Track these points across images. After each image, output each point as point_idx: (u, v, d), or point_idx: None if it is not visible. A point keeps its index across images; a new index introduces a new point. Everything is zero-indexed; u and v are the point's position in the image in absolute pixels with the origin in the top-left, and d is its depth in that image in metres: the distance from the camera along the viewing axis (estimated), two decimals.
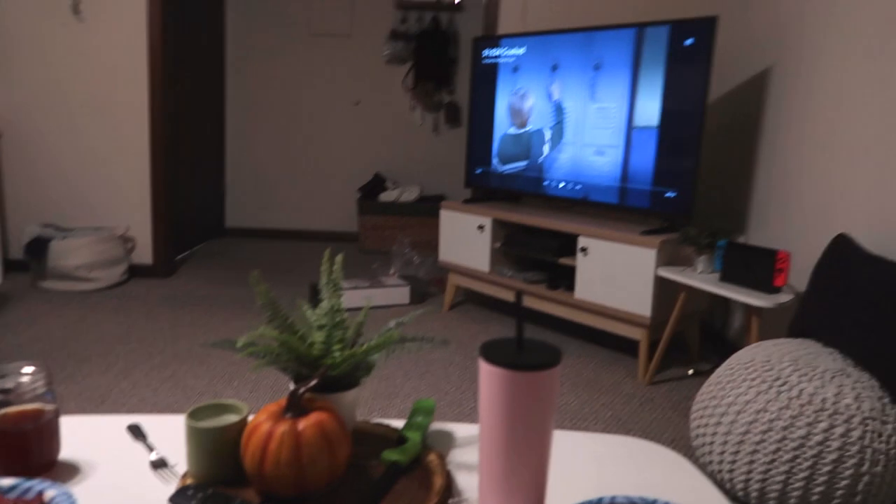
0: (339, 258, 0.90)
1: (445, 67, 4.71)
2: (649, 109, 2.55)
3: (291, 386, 0.78)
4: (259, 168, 4.96)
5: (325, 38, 4.80)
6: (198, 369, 2.43)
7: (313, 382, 0.73)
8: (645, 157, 2.58)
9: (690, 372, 2.60)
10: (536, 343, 0.73)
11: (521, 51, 3.01)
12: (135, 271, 3.67)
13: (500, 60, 3.10)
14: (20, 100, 3.53)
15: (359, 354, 0.79)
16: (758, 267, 2.14)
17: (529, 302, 2.92)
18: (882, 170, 1.90)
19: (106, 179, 3.62)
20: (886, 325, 1.60)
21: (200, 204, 4.56)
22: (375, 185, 4.68)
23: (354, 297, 3.19)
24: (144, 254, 3.68)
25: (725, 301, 2.84)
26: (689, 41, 2.42)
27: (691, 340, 2.72)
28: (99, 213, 3.65)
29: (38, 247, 3.30)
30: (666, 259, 2.46)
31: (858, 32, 2.04)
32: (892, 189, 1.86)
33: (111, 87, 3.53)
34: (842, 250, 1.86)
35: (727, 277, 2.24)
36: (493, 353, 0.70)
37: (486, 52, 3.16)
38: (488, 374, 0.68)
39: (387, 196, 4.60)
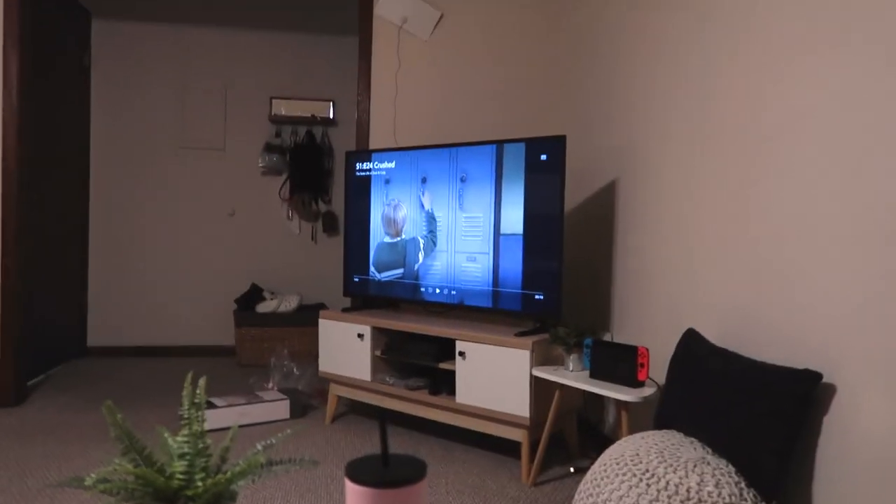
0: (202, 381, 0.88)
1: (321, 178, 4.81)
2: (513, 217, 2.72)
3: None
4: (127, 281, 4.72)
5: (197, 150, 4.78)
6: None
7: None
8: (513, 262, 2.73)
9: (571, 470, 2.65)
10: (402, 458, 0.74)
11: (391, 164, 3.15)
12: None
13: (373, 173, 3.22)
14: None
15: (221, 483, 0.76)
16: (622, 363, 2.27)
17: (414, 409, 2.90)
18: (722, 266, 2.12)
19: None
20: (734, 412, 1.73)
21: (59, 321, 4.24)
22: (252, 296, 4.57)
23: (230, 414, 3.04)
24: None
25: (599, 397, 2.96)
26: (543, 156, 2.64)
27: (570, 437, 2.80)
28: None
29: None
30: (540, 359, 2.55)
31: (688, 144, 2.32)
32: (731, 285, 2.07)
33: None
34: (691, 344, 2.03)
35: (596, 374, 2.35)
36: (359, 471, 0.70)
37: (358, 165, 3.27)
38: (355, 494, 0.69)
39: (264, 307, 4.50)
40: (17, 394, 3.39)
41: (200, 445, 0.84)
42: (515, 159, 2.72)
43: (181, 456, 0.82)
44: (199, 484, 0.79)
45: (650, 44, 2.61)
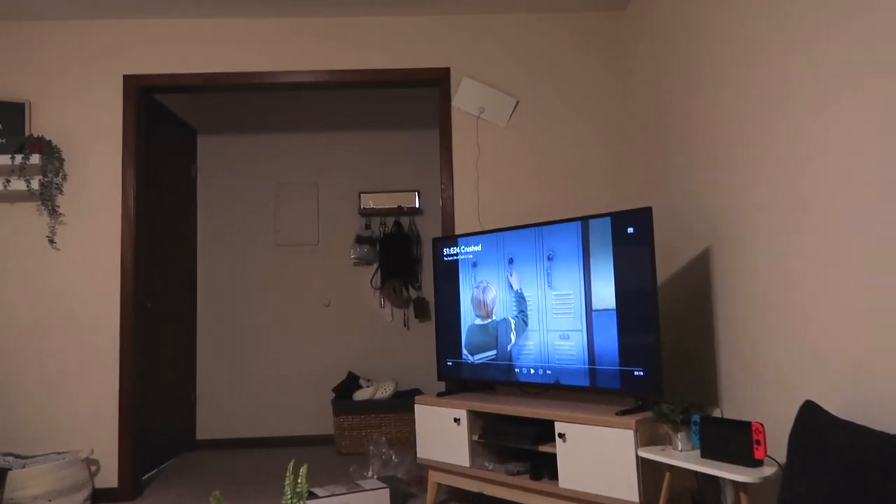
0: (303, 471, 0.90)
1: (410, 266, 4.92)
2: (605, 293, 2.67)
3: None
4: (231, 376, 4.91)
5: (293, 246, 5.02)
6: None
7: None
8: (608, 338, 2.66)
9: None
10: None
11: (478, 247, 3.19)
12: (98, 496, 3.47)
13: (460, 257, 3.26)
14: None
15: None
16: (735, 440, 2.13)
17: (516, 496, 2.80)
18: (836, 329, 1.99)
19: (72, 402, 3.55)
20: (867, 490, 1.58)
21: (170, 418, 4.44)
22: (349, 384, 4.64)
23: None
24: (109, 476, 3.51)
25: (714, 478, 2.77)
26: (630, 229, 2.61)
27: None
28: (64, 438, 3.53)
29: None
30: (645, 439, 2.43)
31: (787, 201, 2.23)
32: (848, 349, 1.93)
33: (81, 310, 3.59)
34: (811, 417, 1.88)
35: (707, 453, 2.21)
36: None
37: (445, 251, 3.33)
38: None
39: (361, 394, 4.55)
40: (133, 488, 3.53)
41: None
42: (602, 234, 2.70)
43: None
44: None
45: (732, 102, 2.58)
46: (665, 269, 3.25)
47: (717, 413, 2.71)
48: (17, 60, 3.69)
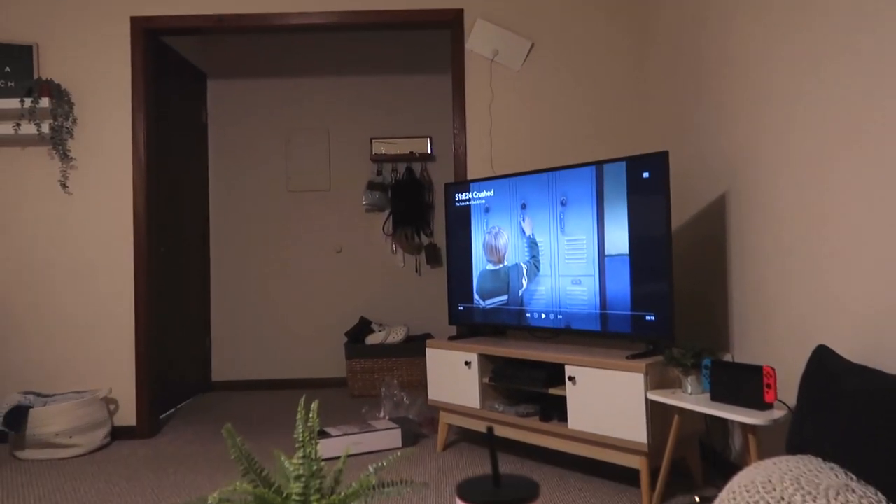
0: (314, 405, 0.91)
1: (422, 212, 4.90)
2: (618, 238, 2.65)
3: None
4: (245, 320, 4.98)
5: (304, 192, 5.01)
6: None
7: None
8: (620, 284, 2.65)
9: (697, 499, 2.50)
10: (514, 478, 0.72)
11: (490, 192, 3.16)
12: (117, 433, 3.57)
13: (472, 202, 3.24)
14: (7, 270, 3.60)
15: (336, 502, 0.77)
16: (746, 384, 2.13)
17: (525, 436, 2.85)
18: (856, 274, 1.96)
19: (90, 343, 3.61)
20: (879, 434, 1.58)
21: (186, 360, 4.52)
22: (362, 329, 4.69)
23: (344, 443, 3.10)
24: (128, 415, 3.60)
25: (723, 421, 2.80)
26: (645, 174, 2.56)
27: (693, 465, 2.65)
28: (82, 378, 3.60)
29: (17, 416, 3.22)
30: (655, 382, 2.44)
31: (810, 140, 2.18)
32: (868, 294, 1.91)
33: (96, 253, 3.62)
34: (824, 361, 1.88)
35: (717, 397, 2.22)
36: (470, 491, 0.69)
37: (457, 196, 3.31)
38: None
39: (373, 339, 4.60)
40: (151, 426, 3.63)
41: (315, 468, 0.86)
42: (616, 179, 2.66)
43: (297, 478, 0.84)
44: None
45: (751, 42, 2.50)
46: (680, 214, 3.22)
47: (728, 358, 2.71)
48: (23, 2, 3.63)
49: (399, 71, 5.05)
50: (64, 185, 3.61)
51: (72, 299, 3.62)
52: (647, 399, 2.40)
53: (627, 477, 2.75)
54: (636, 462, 2.46)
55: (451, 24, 3.71)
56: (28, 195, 3.62)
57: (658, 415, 2.44)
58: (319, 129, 5.02)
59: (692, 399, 2.26)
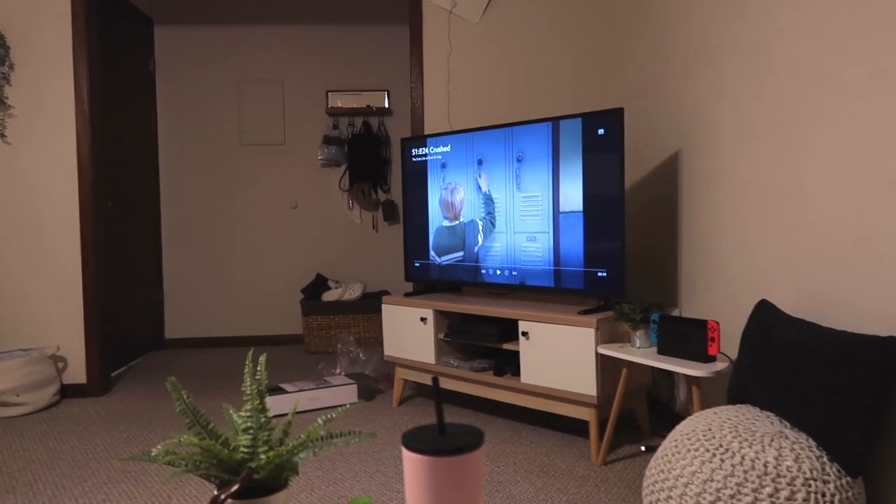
0: (262, 358, 0.90)
1: (379, 168, 4.85)
2: (572, 195, 2.67)
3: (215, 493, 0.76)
4: (199, 277, 4.89)
5: (258, 146, 4.89)
6: (133, 490, 2.29)
7: (235, 488, 0.72)
8: (574, 240, 2.68)
9: (643, 448, 2.60)
10: (460, 427, 0.73)
11: (447, 148, 3.14)
12: (67, 391, 3.51)
13: (429, 158, 3.22)
14: None
15: (283, 455, 0.78)
16: (691, 338, 2.20)
17: (479, 391, 2.90)
18: (797, 233, 2.03)
19: (36, 299, 3.51)
20: (811, 383, 1.65)
21: (138, 317, 4.44)
22: (318, 286, 4.67)
23: (299, 399, 3.11)
24: (77, 373, 3.53)
25: (669, 374, 2.89)
26: (601, 131, 2.58)
27: (640, 416, 2.74)
28: (29, 335, 3.51)
29: None
30: (605, 337, 2.50)
31: (754, 101, 2.22)
32: (807, 252, 1.97)
33: (39, 207, 3.49)
34: (765, 315, 1.95)
35: (664, 350, 2.29)
36: (416, 440, 0.70)
37: (414, 151, 3.28)
38: (412, 462, 0.68)
39: (330, 295, 4.58)
40: (102, 384, 3.57)
41: (262, 420, 0.86)
42: (572, 135, 2.67)
43: (245, 430, 0.84)
44: (263, 456, 0.81)
45: (709, 6, 2.51)
46: (633, 171, 3.26)
47: (675, 313, 2.79)
48: None
49: (357, 21, 4.92)
50: (2, 135, 3.45)
51: (15, 254, 3.49)
52: (597, 353, 2.46)
53: (577, 428, 2.84)
54: (586, 414, 2.54)
55: None
56: None
57: (608, 368, 2.51)
58: (274, 81, 4.88)
59: (640, 353, 2.33)
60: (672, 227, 2.85)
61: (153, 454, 0.74)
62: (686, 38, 2.70)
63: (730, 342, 2.37)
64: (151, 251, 4.71)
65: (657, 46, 2.99)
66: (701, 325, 2.18)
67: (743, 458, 1.58)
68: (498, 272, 2.97)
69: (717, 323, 2.14)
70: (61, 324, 3.52)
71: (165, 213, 4.86)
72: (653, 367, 2.78)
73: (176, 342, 4.87)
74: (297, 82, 4.90)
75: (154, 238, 4.76)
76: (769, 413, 1.78)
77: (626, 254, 3.32)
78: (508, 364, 2.83)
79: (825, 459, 1.57)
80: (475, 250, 3.05)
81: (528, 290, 2.87)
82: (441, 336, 3.04)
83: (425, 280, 3.29)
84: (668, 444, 1.77)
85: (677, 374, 2.80)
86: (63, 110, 3.47)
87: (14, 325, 3.50)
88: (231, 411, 0.89)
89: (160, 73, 4.82)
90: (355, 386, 3.28)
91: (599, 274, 2.61)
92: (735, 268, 2.36)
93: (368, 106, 4.79)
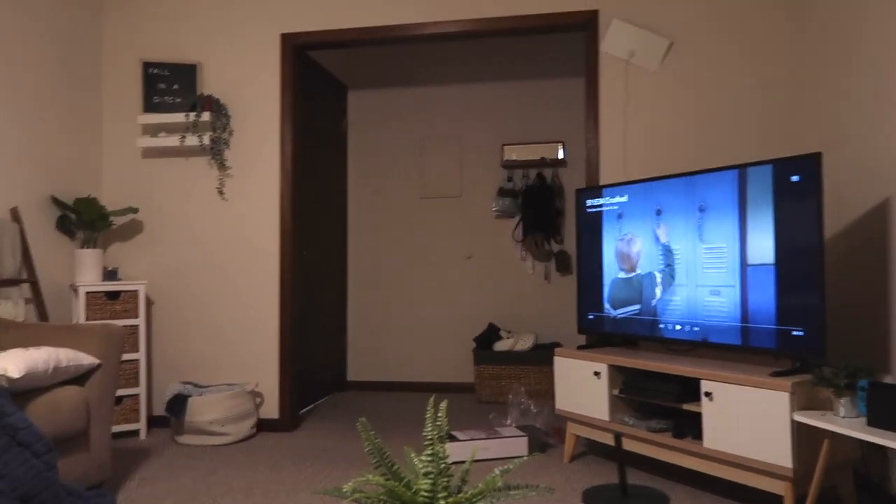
0: (443, 405, 0.93)
1: (552, 218, 4.86)
2: (763, 246, 2.49)
3: None
4: (379, 323, 5.17)
5: (436, 199, 5.13)
6: None
7: None
8: (765, 295, 2.48)
9: None
10: (643, 489, 0.71)
11: (623, 198, 3.08)
12: (262, 425, 3.84)
13: (604, 209, 3.17)
14: (170, 269, 3.98)
15: (462, 502, 0.79)
16: None
17: (656, 452, 2.75)
18: None
19: (241, 340, 3.91)
20: None
21: (325, 359, 4.77)
22: (490, 335, 4.72)
23: (470, 447, 3.13)
24: (271, 409, 3.85)
25: (881, 449, 2.55)
26: (794, 178, 2.39)
27: (846, 495, 2.43)
28: (234, 371, 3.91)
29: (177, 404, 3.54)
30: (802, 403, 2.27)
31: None
32: None
33: (247, 256, 3.92)
34: None
35: (876, 421, 2.03)
36: (597, 499, 0.68)
37: (589, 202, 3.25)
38: None
39: (501, 345, 4.62)
40: (292, 420, 3.86)
41: (442, 466, 0.88)
42: (761, 183, 2.50)
43: (425, 474, 0.87)
44: (442, 502, 0.83)
45: None
46: (833, 220, 2.97)
47: (888, 380, 2.46)
48: (188, 24, 4.01)
49: (531, 76, 5.05)
50: (221, 192, 3.94)
51: (225, 299, 3.93)
52: (792, 420, 2.23)
53: (769, 502, 2.57)
54: (780, 488, 2.30)
55: (586, 26, 3.66)
56: (191, 201, 3.98)
57: (806, 438, 2.27)
58: (451, 136, 5.13)
59: (845, 423, 2.08)
60: (881, 281, 2.55)
61: (344, 490, 0.79)
62: (890, 75, 2.45)
63: None
64: (339, 297, 5.07)
65: (858, 87, 2.74)
66: None
67: None
68: (677, 327, 2.82)
69: None
70: (260, 362, 3.88)
71: (352, 262, 5.23)
72: (862, 442, 2.47)
73: (356, 384, 5.16)
74: (474, 137, 5.10)
75: (341, 285, 5.13)
76: None
77: (826, 310, 3.00)
78: (688, 426, 2.65)
79: None
80: (653, 303, 2.93)
81: (710, 347, 2.69)
82: (616, 392, 2.93)
83: (599, 333, 3.21)
84: None
85: (893, 450, 2.45)
86: (270, 170, 3.90)
87: (220, 362, 3.92)
88: (412, 455, 0.92)
89: (352, 132, 5.26)
90: (526, 438, 3.24)
91: (794, 332, 2.39)
92: None
93: (542, 158, 4.85)
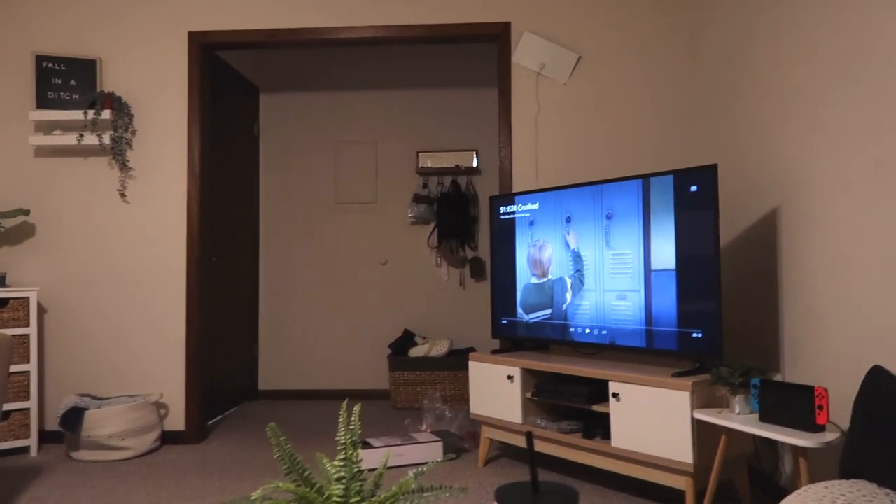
0: (356, 409, 0.92)
1: (467, 226, 4.91)
2: (665, 253, 2.61)
3: None
4: (291, 331, 5.06)
5: (351, 204, 5.08)
6: None
7: None
8: (667, 299, 2.60)
9: None
10: (553, 485, 0.72)
11: (535, 206, 3.15)
12: (167, 437, 3.67)
13: (517, 215, 3.24)
14: (67, 275, 3.75)
15: None
16: (797, 405, 2.07)
17: (567, 453, 2.82)
18: None
19: (143, 349, 3.72)
20: None
21: (234, 368, 4.62)
22: (405, 341, 4.71)
23: (385, 454, 3.11)
24: (177, 420, 3.69)
25: (772, 443, 2.71)
26: (693, 188, 2.52)
27: (741, 488, 2.57)
28: (134, 382, 3.72)
29: (73, 417, 3.33)
30: (701, 401, 2.39)
31: (868, 154, 2.12)
32: None
33: (151, 262, 3.74)
34: (880, 383, 1.81)
35: (767, 417, 2.16)
36: (509, 497, 0.69)
37: (502, 209, 3.31)
38: None
39: (417, 351, 4.62)
40: (199, 432, 3.71)
41: (355, 470, 0.87)
42: (663, 193, 2.63)
43: (338, 479, 0.85)
44: None
45: (805, 53, 2.44)
46: (728, 228, 3.15)
47: (778, 378, 2.63)
48: (88, 18, 3.81)
49: (447, 84, 5.09)
50: (122, 195, 3.75)
51: (127, 306, 3.74)
52: (693, 418, 2.34)
53: (673, 498, 2.69)
54: (682, 483, 2.41)
55: (499, 38, 3.73)
56: (90, 203, 3.76)
57: (705, 435, 2.39)
58: (367, 142, 5.10)
59: (740, 419, 2.21)
60: (772, 287, 2.72)
61: (253, 498, 0.77)
62: (784, 93, 2.64)
63: (837, 411, 2.21)
64: (249, 305, 4.93)
65: (755, 99, 2.92)
66: (807, 391, 2.05)
67: None
68: (587, 331, 2.91)
69: (825, 389, 2.01)
70: (164, 372, 3.71)
71: (263, 269, 5.09)
72: (755, 436, 2.62)
73: (268, 393, 5.02)
74: (390, 143, 5.09)
75: (252, 292, 4.98)
76: (888, 490, 1.63)
77: (723, 314, 3.18)
78: (598, 427, 2.74)
79: None
80: (563, 308, 3.01)
81: (618, 349, 2.79)
82: (528, 395, 2.99)
83: (512, 337, 3.27)
84: None
85: (782, 444, 2.62)
86: (176, 172, 3.75)
87: (122, 372, 3.72)
88: (325, 461, 0.90)
89: (264, 136, 5.13)
90: (441, 443, 3.25)
91: (694, 335, 2.52)
92: (842, 331, 2.21)
93: (457, 165, 4.90)
